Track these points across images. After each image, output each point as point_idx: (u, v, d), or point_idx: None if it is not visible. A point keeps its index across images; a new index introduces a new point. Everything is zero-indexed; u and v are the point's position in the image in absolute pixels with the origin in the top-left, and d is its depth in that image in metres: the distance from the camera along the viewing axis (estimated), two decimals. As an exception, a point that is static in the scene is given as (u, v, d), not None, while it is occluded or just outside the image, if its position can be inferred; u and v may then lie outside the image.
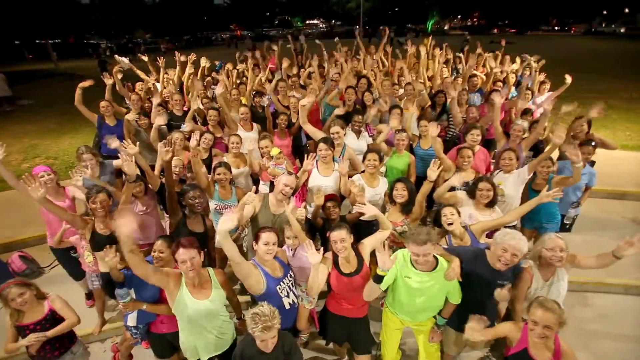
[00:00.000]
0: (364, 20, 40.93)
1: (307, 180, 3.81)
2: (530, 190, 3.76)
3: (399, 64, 6.69)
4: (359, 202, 2.95)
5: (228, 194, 3.68)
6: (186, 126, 4.62)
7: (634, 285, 4.09)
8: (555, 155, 3.95)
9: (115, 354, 3.41)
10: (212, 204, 3.64)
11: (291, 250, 2.99)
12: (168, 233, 3.51)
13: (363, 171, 3.76)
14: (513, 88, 6.26)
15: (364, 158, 3.70)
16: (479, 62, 7.72)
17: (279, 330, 2.23)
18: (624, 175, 6.21)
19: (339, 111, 4.79)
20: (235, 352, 2.37)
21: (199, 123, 5.28)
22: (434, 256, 2.48)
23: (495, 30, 45.86)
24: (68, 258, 3.70)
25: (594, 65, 17.51)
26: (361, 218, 3.38)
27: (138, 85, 6.64)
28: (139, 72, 7.04)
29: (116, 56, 7.25)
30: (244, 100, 5.94)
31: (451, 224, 2.97)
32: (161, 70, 6.85)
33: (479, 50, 7.86)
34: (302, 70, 7.30)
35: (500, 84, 6.42)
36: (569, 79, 5.92)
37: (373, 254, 2.84)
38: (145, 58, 7.22)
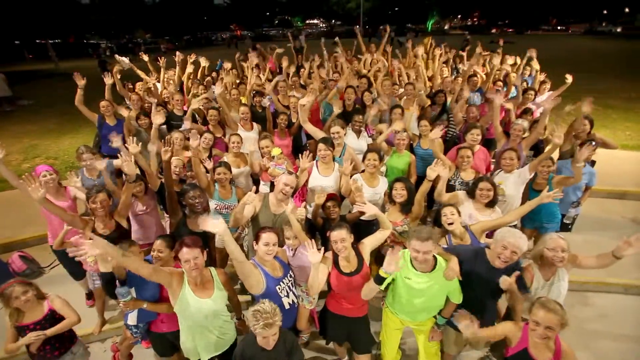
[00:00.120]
0: (363, 20, 40.95)
1: (307, 180, 3.81)
2: (530, 190, 3.76)
3: (397, 64, 6.70)
4: (359, 201, 2.95)
5: (228, 194, 3.68)
6: (185, 124, 4.62)
7: (634, 285, 4.09)
8: (555, 155, 3.95)
9: (115, 353, 3.41)
10: (212, 204, 3.64)
11: (291, 250, 2.99)
12: (168, 233, 3.52)
13: (363, 171, 3.77)
14: (513, 88, 6.25)
15: (364, 158, 3.70)
16: (479, 62, 7.72)
17: (280, 328, 2.24)
18: (624, 175, 6.21)
19: (338, 109, 4.78)
20: (236, 353, 2.38)
21: (199, 123, 5.28)
22: (433, 256, 2.48)
23: (494, 30, 45.78)
24: (68, 257, 3.66)
25: (593, 65, 17.50)
26: (361, 218, 3.38)
27: (138, 85, 6.65)
28: (139, 72, 7.04)
29: (116, 56, 7.27)
30: (244, 100, 5.94)
31: (451, 223, 2.97)
32: (162, 70, 6.85)
33: (479, 50, 7.85)
34: (302, 70, 7.30)
35: (500, 83, 6.42)
36: (569, 78, 5.92)
37: (373, 254, 2.85)
38: (146, 58, 7.21)
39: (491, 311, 2.72)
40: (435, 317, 2.75)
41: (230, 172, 3.70)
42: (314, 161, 3.78)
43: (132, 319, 2.76)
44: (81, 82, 5.00)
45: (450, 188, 3.70)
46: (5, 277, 3.24)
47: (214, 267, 2.73)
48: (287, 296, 2.66)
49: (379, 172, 3.91)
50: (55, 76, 22.04)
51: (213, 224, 2.20)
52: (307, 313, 3.08)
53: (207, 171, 3.81)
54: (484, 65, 7.74)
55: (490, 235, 3.15)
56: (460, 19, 61.46)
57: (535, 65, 6.66)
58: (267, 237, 2.57)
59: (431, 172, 3.20)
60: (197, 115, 5.40)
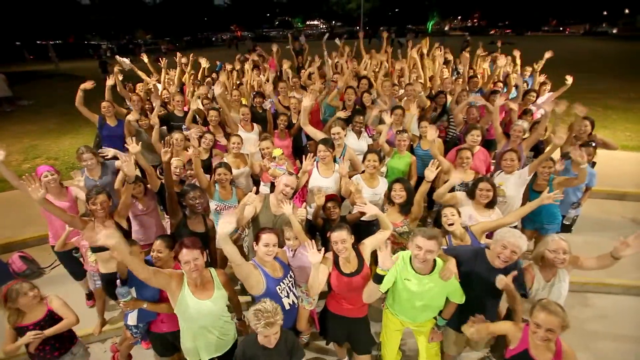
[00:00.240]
0: (364, 20, 40.96)
1: (307, 181, 3.81)
2: (531, 191, 3.76)
3: (399, 64, 6.71)
4: (359, 202, 2.96)
5: (228, 195, 3.68)
6: (188, 128, 4.63)
7: (634, 286, 4.09)
8: (556, 156, 3.95)
9: (115, 354, 3.41)
10: (213, 205, 3.64)
11: (291, 250, 2.99)
12: (168, 233, 3.52)
13: (363, 171, 3.77)
14: (513, 89, 6.26)
15: (364, 159, 3.70)
16: (479, 63, 7.74)
17: (281, 327, 2.24)
18: (623, 176, 6.21)
19: (341, 114, 4.79)
20: (237, 353, 2.38)
21: (199, 123, 5.29)
22: (433, 259, 2.48)
23: (492, 32, 45.80)
24: (69, 258, 3.71)
25: (593, 66, 17.53)
26: (362, 218, 3.38)
27: (139, 86, 6.66)
28: (139, 72, 7.05)
29: (117, 57, 7.27)
30: (244, 101, 5.95)
31: (452, 224, 2.97)
32: (163, 70, 6.86)
33: (479, 51, 7.87)
34: (302, 71, 7.31)
35: (500, 84, 6.43)
36: (569, 79, 5.93)
37: (373, 255, 2.85)
38: (146, 59, 7.23)
39: (491, 311, 2.71)
40: (435, 318, 2.75)
41: (231, 172, 3.70)
42: (315, 162, 3.79)
43: (132, 319, 2.75)
44: (86, 86, 5.02)
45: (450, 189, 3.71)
46: (5, 278, 3.25)
47: (216, 267, 2.73)
48: (287, 297, 2.66)
49: (379, 172, 3.91)
50: (55, 77, 22.06)
51: (222, 224, 2.21)
52: (307, 314, 3.08)
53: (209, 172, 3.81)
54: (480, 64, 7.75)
55: (490, 236, 3.16)
56: (461, 20, 61.54)
57: (536, 66, 6.67)
58: (267, 237, 2.57)
59: (429, 173, 3.20)
60: (197, 116, 5.41)
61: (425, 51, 7.28)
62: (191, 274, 2.36)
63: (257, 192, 3.21)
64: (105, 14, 39.63)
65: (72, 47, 39.20)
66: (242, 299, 3.42)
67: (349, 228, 2.59)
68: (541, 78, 6.51)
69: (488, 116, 4.83)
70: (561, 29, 50.51)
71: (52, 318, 2.59)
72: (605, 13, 47.14)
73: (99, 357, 3.51)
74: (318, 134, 4.16)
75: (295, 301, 2.78)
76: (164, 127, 5.21)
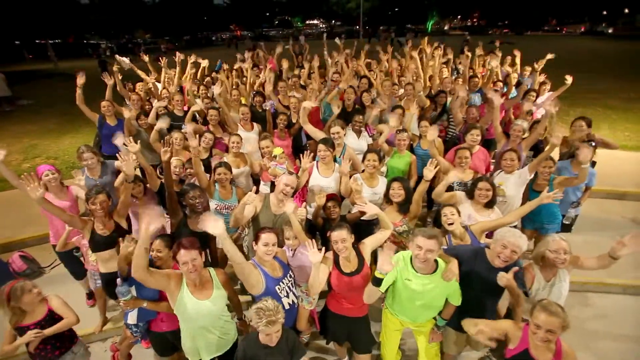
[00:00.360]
0: (363, 20, 40.95)
1: (307, 180, 3.81)
2: (531, 191, 3.76)
3: (396, 64, 6.71)
4: (360, 201, 2.96)
5: (228, 194, 3.68)
6: (187, 127, 4.61)
7: (634, 285, 4.10)
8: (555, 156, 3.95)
9: (115, 353, 3.41)
10: (213, 204, 3.64)
11: (291, 250, 2.99)
12: (168, 233, 3.52)
13: (363, 171, 3.77)
14: (513, 88, 6.27)
15: (364, 158, 3.70)
16: (479, 63, 7.74)
17: (282, 325, 2.25)
18: (623, 176, 6.22)
19: (336, 109, 4.77)
20: (237, 352, 2.38)
21: (199, 123, 5.29)
22: (434, 260, 2.48)
23: (490, 32, 45.76)
24: (70, 257, 3.71)
25: (593, 66, 17.52)
26: (362, 218, 3.39)
27: (138, 85, 6.65)
28: (139, 72, 7.04)
29: (117, 56, 7.27)
30: (243, 101, 5.94)
31: (451, 223, 2.98)
32: (163, 70, 6.86)
33: (479, 51, 7.87)
34: (302, 70, 7.30)
35: (500, 84, 6.43)
36: (569, 79, 5.93)
37: (373, 255, 2.85)
38: (146, 58, 7.22)
39: (491, 311, 2.72)
40: (435, 318, 2.75)
41: (231, 172, 3.70)
42: (314, 162, 3.79)
43: (132, 318, 2.75)
44: (80, 81, 5.00)
45: (448, 188, 3.70)
46: (5, 277, 3.25)
47: (217, 267, 2.73)
48: (287, 296, 2.66)
49: (379, 172, 3.91)
50: (55, 76, 22.04)
51: (213, 226, 2.19)
52: (307, 313, 3.08)
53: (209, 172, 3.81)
54: (483, 65, 7.75)
55: (490, 235, 3.16)
56: (460, 19, 61.52)
57: (536, 66, 6.67)
58: (267, 237, 2.57)
59: (428, 173, 3.20)
60: (197, 116, 5.40)
61: (428, 51, 7.27)
62: (189, 275, 2.36)
63: (257, 192, 3.21)
64: (104, 14, 39.57)
65: (72, 47, 39.17)
66: (242, 298, 3.42)
67: (349, 227, 2.59)
68: (541, 78, 6.52)
69: (488, 116, 4.84)
70: (558, 28, 50.50)
71: (52, 318, 2.59)
72: (605, 13, 47.12)
73: (100, 357, 3.51)
74: (318, 134, 4.16)
75: (295, 301, 2.78)
76: (164, 127, 5.20)
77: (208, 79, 7.00)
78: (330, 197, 3.34)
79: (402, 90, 5.73)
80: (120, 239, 2.69)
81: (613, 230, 4.93)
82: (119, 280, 2.53)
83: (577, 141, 4.22)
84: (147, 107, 5.60)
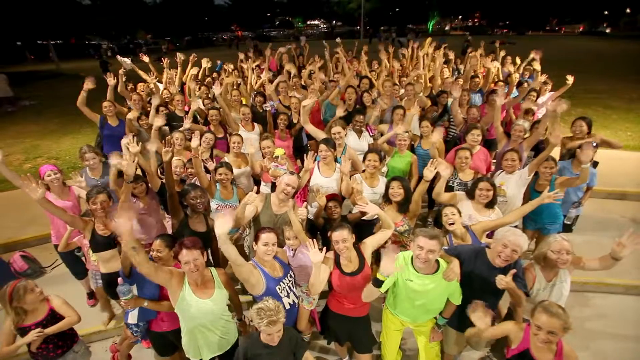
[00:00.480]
0: (364, 20, 40.94)
1: (308, 180, 3.81)
2: (532, 191, 3.76)
3: (397, 64, 6.71)
4: (361, 202, 2.96)
5: (229, 194, 3.69)
6: (186, 123, 4.61)
7: (634, 285, 4.09)
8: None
9: (114, 354, 3.41)
10: (214, 204, 3.65)
11: (291, 250, 3.00)
12: (170, 233, 3.53)
13: (364, 171, 3.77)
14: (514, 88, 6.26)
15: (365, 158, 3.71)
16: (480, 63, 7.73)
17: (283, 325, 2.26)
18: (624, 176, 6.21)
19: (340, 112, 4.79)
20: (239, 351, 2.39)
21: (200, 123, 5.29)
22: (435, 260, 2.48)
23: (490, 32, 45.70)
24: (72, 257, 3.72)
25: (594, 66, 17.50)
26: (363, 218, 3.39)
27: (140, 85, 6.67)
28: (140, 72, 7.06)
29: (118, 57, 7.28)
30: (244, 101, 5.95)
31: (452, 223, 2.97)
32: (165, 70, 6.88)
33: (480, 51, 7.87)
34: (302, 70, 7.31)
35: (501, 84, 6.42)
36: (570, 79, 5.93)
37: (374, 255, 2.85)
38: (146, 59, 7.24)
39: (492, 310, 2.71)
40: (435, 317, 2.75)
41: (232, 172, 3.70)
42: (316, 162, 3.79)
43: (132, 317, 2.75)
44: (87, 86, 5.02)
45: (448, 189, 3.71)
46: (6, 277, 3.26)
47: (218, 267, 2.74)
48: (288, 296, 2.66)
49: (380, 172, 3.91)
50: (56, 77, 22.10)
51: (220, 224, 2.20)
52: (307, 313, 3.08)
53: (209, 172, 3.82)
54: (484, 65, 7.75)
55: (490, 235, 3.16)
56: (461, 19, 61.48)
57: (536, 66, 6.66)
58: (266, 237, 2.58)
59: (428, 173, 3.20)
60: (198, 116, 5.41)
61: (430, 51, 7.27)
62: (191, 274, 2.37)
63: (257, 192, 3.21)
64: (106, 14, 39.60)
65: (73, 47, 39.21)
66: (243, 298, 3.43)
67: (349, 227, 2.59)
68: (542, 78, 6.51)
69: (489, 116, 4.83)
70: (557, 28, 50.45)
71: (54, 317, 2.60)
72: (606, 13, 47.05)
73: (100, 356, 3.51)
74: (319, 134, 4.17)
75: (296, 301, 2.78)
76: (166, 127, 5.22)
77: (209, 79, 7.01)
78: (331, 197, 3.34)
79: (402, 91, 5.74)
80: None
81: (614, 230, 4.92)
82: (120, 279, 2.54)
83: (576, 142, 4.22)
84: (148, 107, 5.61)
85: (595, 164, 4.36)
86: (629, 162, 6.74)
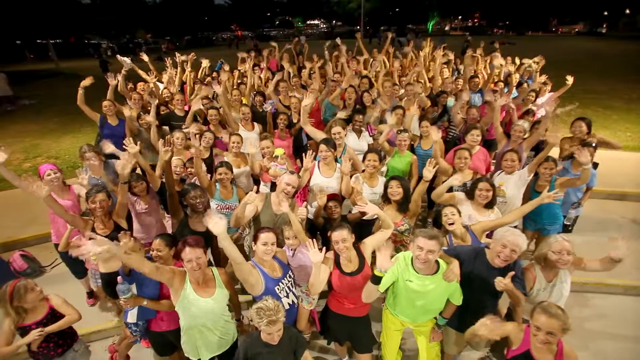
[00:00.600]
0: (364, 20, 40.92)
1: (308, 180, 3.81)
2: (533, 192, 3.76)
3: (397, 63, 6.71)
4: (361, 202, 2.96)
5: (229, 194, 3.69)
6: (191, 128, 4.62)
7: (634, 286, 4.10)
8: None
9: (113, 354, 3.40)
10: (214, 204, 3.65)
11: (291, 250, 3.00)
12: (169, 232, 3.53)
13: (363, 171, 3.78)
14: (514, 89, 6.27)
15: (364, 158, 3.71)
16: (479, 63, 7.74)
17: (283, 324, 2.26)
18: (624, 176, 6.21)
19: (342, 114, 4.78)
20: (239, 351, 2.39)
21: (200, 123, 5.28)
22: (435, 261, 2.48)
23: (490, 32, 45.71)
24: (71, 256, 3.70)
25: (592, 66, 17.51)
26: (363, 218, 3.39)
27: (140, 85, 6.66)
28: (140, 72, 7.05)
29: (118, 56, 7.27)
30: (244, 101, 5.95)
31: (452, 223, 2.98)
32: (168, 70, 6.88)
33: (479, 51, 7.87)
34: (302, 70, 7.31)
35: (501, 84, 6.43)
36: (570, 79, 5.93)
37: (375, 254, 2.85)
38: (146, 58, 7.23)
39: (491, 311, 2.70)
40: (435, 317, 2.75)
41: (232, 172, 3.70)
42: (316, 161, 3.79)
43: (132, 316, 2.75)
44: (85, 82, 5.02)
45: (448, 189, 3.71)
46: (6, 277, 3.25)
47: (219, 266, 2.74)
48: (287, 296, 2.66)
49: (379, 172, 3.91)
50: (56, 76, 22.08)
51: (215, 223, 2.19)
52: (307, 313, 3.08)
53: (209, 171, 3.82)
54: (484, 66, 7.76)
55: (490, 235, 3.16)
56: (461, 20, 61.50)
57: (535, 65, 6.68)
58: (266, 236, 2.58)
59: (427, 173, 3.20)
60: (198, 116, 5.41)
61: (427, 51, 7.28)
62: (193, 273, 2.37)
63: (257, 192, 3.21)
64: (105, 14, 39.57)
65: (73, 47, 39.17)
66: (242, 298, 3.42)
67: (349, 227, 2.60)
68: (542, 78, 6.52)
69: (488, 116, 4.83)
70: (554, 29, 50.49)
71: (54, 316, 2.60)
72: (605, 13, 47.07)
73: (100, 355, 3.51)
74: (318, 134, 4.16)
75: (295, 301, 2.78)
76: (166, 127, 5.22)
77: (209, 79, 7.00)
78: (331, 197, 3.34)
79: (402, 91, 5.74)
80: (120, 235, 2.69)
81: (614, 230, 4.93)
82: (119, 277, 2.53)
83: (576, 142, 4.22)
84: (148, 107, 5.60)
85: (595, 165, 4.36)
86: (628, 162, 6.75)
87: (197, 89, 5.88)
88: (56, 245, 3.58)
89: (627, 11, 45.10)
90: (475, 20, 59.50)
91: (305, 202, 3.96)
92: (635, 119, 9.27)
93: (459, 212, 3.05)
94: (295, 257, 2.99)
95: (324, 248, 2.52)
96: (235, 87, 6.37)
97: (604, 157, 4.84)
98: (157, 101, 5.17)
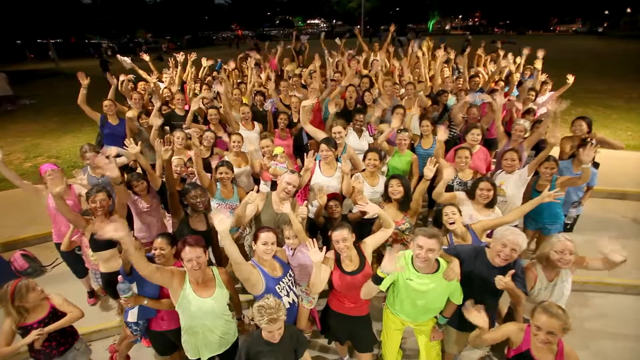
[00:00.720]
0: (364, 20, 40.91)
1: (309, 179, 3.81)
2: (533, 191, 3.75)
3: (398, 63, 6.70)
4: (361, 201, 2.96)
5: (230, 193, 3.69)
6: (192, 130, 4.63)
7: (634, 285, 4.10)
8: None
9: (113, 354, 3.40)
10: (214, 203, 3.65)
11: (291, 249, 3.00)
12: (170, 232, 3.53)
13: (364, 170, 3.78)
14: (515, 88, 6.26)
15: (365, 157, 3.71)
16: (479, 62, 7.74)
17: (284, 322, 2.27)
18: (625, 175, 6.21)
19: (333, 109, 4.73)
20: (241, 349, 2.39)
21: (200, 122, 5.29)
22: (436, 260, 2.48)
23: (490, 32, 45.66)
24: (72, 255, 3.72)
25: (592, 65, 17.48)
26: (364, 217, 3.39)
27: (140, 84, 6.67)
28: (141, 71, 7.06)
29: (118, 56, 7.28)
30: (244, 100, 5.95)
31: (453, 223, 2.97)
32: (171, 69, 6.88)
33: (480, 51, 7.86)
34: (303, 70, 7.31)
35: (501, 83, 6.42)
36: (571, 79, 5.92)
37: (376, 253, 2.85)
38: (146, 57, 7.23)
39: (492, 310, 2.71)
40: (436, 317, 2.75)
41: (233, 171, 3.70)
42: (317, 161, 3.79)
43: (132, 315, 2.76)
44: (85, 81, 5.03)
45: (448, 188, 3.70)
46: (7, 276, 3.26)
47: (219, 266, 2.74)
48: (287, 295, 2.67)
49: (380, 171, 3.92)
50: (56, 75, 22.09)
51: (220, 220, 2.20)
52: (307, 313, 3.09)
53: (210, 170, 3.82)
54: (485, 65, 7.75)
55: (491, 234, 3.16)
56: (461, 19, 61.46)
57: (538, 64, 6.66)
58: (266, 236, 2.58)
59: (428, 172, 3.20)
60: (198, 116, 5.41)
61: (425, 50, 7.27)
62: (193, 272, 2.37)
63: (257, 191, 3.21)
64: (106, 14, 39.58)
65: (73, 46, 39.19)
66: (243, 297, 3.43)
67: (350, 227, 2.60)
68: (542, 77, 6.51)
69: (489, 115, 4.83)
70: (552, 28, 50.43)
71: (55, 315, 2.61)
72: (606, 12, 47.02)
73: (101, 355, 3.51)
74: (318, 134, 4.16)
75: (295, 300, 2.78)
76: (167, 127, 5.22)
77: (209, 78, 7.01)
78: (332, 196, 3.34)
79: (403, 90, 5.74)
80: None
81: (614, 230, 4.93)
82: (120, 277, 2.54)
83: (576, 141, 4.22)
84: (149, 107, 5.61)
85: (596, 165, 4.36)
86: (629, 162, 6.74)
87: (199, 89, 5.86)
88: (57, 245, 3.59)
89: (628, 10, 45.05)
90: (476, 20, 59.47)
91: (305, 201, 3.97)
92: (636, 118, 9.25)
93: (460, 212, 3.05)
94: (295, 256, 3.00)
95: (324, 247, 2.52)
96: (235, 86, 6.36)
97: (604, 156, 4.82)
98: (160, 103, 5.18)
